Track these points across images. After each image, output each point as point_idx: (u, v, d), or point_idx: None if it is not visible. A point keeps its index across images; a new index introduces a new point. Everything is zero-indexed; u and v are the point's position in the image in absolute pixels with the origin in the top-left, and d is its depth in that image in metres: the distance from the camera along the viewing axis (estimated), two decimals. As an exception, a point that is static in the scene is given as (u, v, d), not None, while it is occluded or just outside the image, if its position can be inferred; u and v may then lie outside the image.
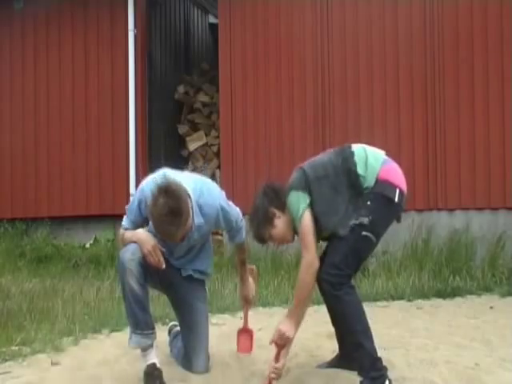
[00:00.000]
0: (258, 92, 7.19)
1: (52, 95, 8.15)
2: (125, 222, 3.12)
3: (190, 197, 2.89)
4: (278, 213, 2.93)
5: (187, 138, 8.68)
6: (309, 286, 2.86)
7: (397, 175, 2.93)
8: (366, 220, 2.80)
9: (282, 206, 2.92)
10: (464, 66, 6.39)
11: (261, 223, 2.94)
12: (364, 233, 2.81)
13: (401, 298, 5.24)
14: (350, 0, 6.81)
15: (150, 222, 2.89)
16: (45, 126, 8.17)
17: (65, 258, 7.39)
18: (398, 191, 2.86)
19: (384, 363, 2.95)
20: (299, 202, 2.85)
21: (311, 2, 6.98)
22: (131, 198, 3.20)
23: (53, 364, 3.50)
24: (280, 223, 2.94)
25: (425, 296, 5.27)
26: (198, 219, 2.96)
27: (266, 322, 4.34)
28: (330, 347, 3.40)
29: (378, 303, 5.06)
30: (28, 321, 4.48)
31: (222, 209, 3.07)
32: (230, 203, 3.19)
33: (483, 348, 3.59)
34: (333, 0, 6.87)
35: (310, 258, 2.83)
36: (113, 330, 4.25)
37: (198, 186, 3.02)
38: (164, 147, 8.50)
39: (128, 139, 7.67)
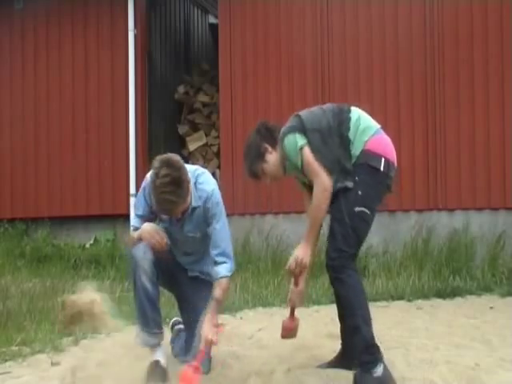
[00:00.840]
0: (258, 92, 7.19)
1: (52, 95, 8.15)
2: (133, 221, 3.17)
3: (188, 177, 2.94)
4: (270, 148, 3.05)
5: (187, 138, 8.69)
6: (323, 209, 2.91)
7: (383, 145, 2.94)
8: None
9: (274, 143, 3.04)
10: (464, 66, 6.39)
11: (253, 158, 3.06)
12: (357, 208, 2.84)
13: (401, 298, 5.25)
14: (350, 0, 6.81)
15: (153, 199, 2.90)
16: (45, 126, 8.17)
17: (65, 258, 7.39)
18: (383, 160, 2.88)
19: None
20: (297, 140, 2.92)
21: (311, 2, 6.98)
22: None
23: (53, 364, 3.50)
24: (272, 158, 3.05)
25: (425, 296, 5.28)
26: (195, 201, 3.01)
27: (266, 322, 4.35)
28: (330, 347, 3.40)
29: (378, 303, 5.06)
30: (28, 321, 4.47)
31: (213, 195, 3.04)
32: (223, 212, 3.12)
33: (483, 348, 3.59)
34: (333, 0, 6.88)
35: (323, 181, 2.87)
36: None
37: (196, 173, 3.08)
38: (164, 147, 8.47)
39: (128, 139, 7.67)
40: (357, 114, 2.99)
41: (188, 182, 2.87)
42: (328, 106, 3.08)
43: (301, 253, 2.96)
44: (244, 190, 6.90)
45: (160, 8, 8.81)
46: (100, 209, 7.80)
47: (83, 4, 8.05)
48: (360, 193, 2.84)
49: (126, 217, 6.85)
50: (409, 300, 5.20)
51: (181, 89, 8.87)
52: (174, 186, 2.76)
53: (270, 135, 3.06)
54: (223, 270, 3.03)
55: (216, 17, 9.12)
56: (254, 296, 5.27)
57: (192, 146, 8.61)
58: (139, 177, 7.59)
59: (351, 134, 2.90)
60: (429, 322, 4.35)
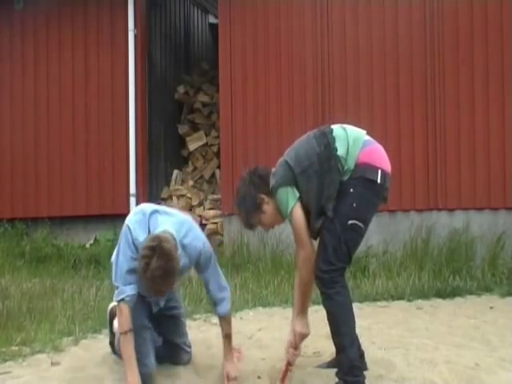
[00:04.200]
0: (258, 92, 7.19)
1: (52, 95, 8.15)
2: (118, 281, 2.89)
3: (175, 241, 2.78)
4: (266, 198, 2.97)
5: (187, 138, 8.68)
6: (308, 281, 2.93)
7: (377, 156, 2.91)
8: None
9: (269, 191, 2.95)
10: (464, 66, 6.39)
11: (250, 211, 2.98)
12: (350, 221, 2.82)
13: (401, 298, 5.24)
14: (350, 0, 6.81)
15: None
16: (45, 126, 8.17)
17: (64, 258, 7.39)
18: (379, 172, 2.85)
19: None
20: (288, 199, 2.88)
21: (311, 2, 6.98)
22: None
23: (53, 364, 3.50)
24: (269, 208, 2.99)
25: (425, 296, 5.27)
26: (183, 260, 2.85)
27: (266, 322, 4.34)
28: (330, 347, 3.40)
29: (378, 303, 5.06)
30: (28, 321, 4.48)
31: (203, 251, 2.93)
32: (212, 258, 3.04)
33: (483, 348, 3.59)
34: (333, 0, 6.88)
35: (305, 254, 2.88)
36: (113, 330, 4.24)
37: (184, 228, 2.90)
38: (164, 147, 8.50)
39: (128, 139, 7.67)
40: (340, 130, 2.94)
41: (179, 266, 2.71)
42: (310, 133, 3.01)
43: (302, 329, 3.01)
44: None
45: (160, 8, 8.80)
46: (100, 209, 7.80)
47: (83, 4, 8.04)
48: (355, 205, 2.82)
49: (126, 217, 6.84)
50: (409, 300, 5.19)
51: (181, 89, 8.87)
52: (165, 277, 2.64)
53: (264, 183, 2.97)
54: (225, 307, 3.05)
55: (216, 17, 9.11)
56: (254, 296, 5.27)
57: (192, 146, 8.61)
58: (139, 177, 7.61)
59: (341, 151, 2.85)
60: (429, 322, 4.35)
